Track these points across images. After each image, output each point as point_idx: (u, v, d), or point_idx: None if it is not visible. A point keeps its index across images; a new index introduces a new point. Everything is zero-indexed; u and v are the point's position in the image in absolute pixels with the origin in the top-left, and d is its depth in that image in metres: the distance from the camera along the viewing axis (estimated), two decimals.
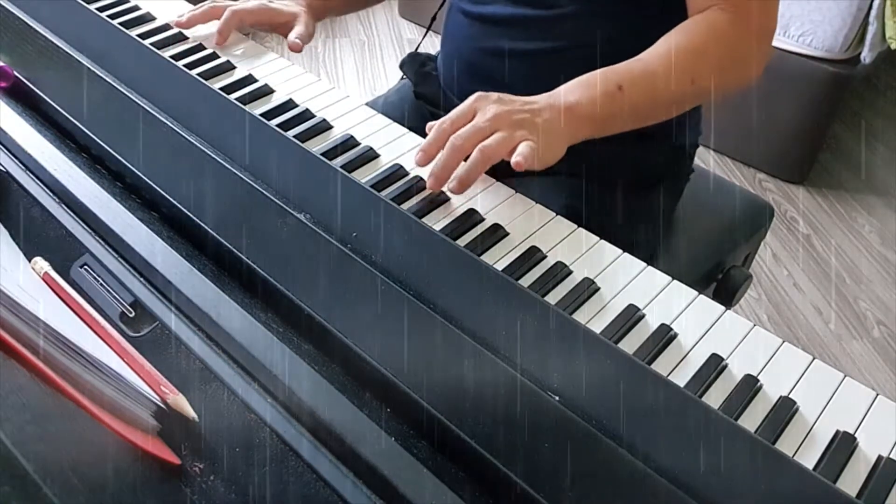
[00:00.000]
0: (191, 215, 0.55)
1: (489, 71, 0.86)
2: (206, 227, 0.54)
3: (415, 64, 0.98)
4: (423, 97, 0.96)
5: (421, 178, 0.67)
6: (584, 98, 0.67)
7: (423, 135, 0.73)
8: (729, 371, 0.52)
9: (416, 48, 1.03)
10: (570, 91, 0.67)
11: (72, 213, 0.55)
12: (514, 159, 0.61)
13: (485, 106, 0.65)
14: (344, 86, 2.21)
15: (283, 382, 0.44)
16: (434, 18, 1.03)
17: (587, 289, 0.57)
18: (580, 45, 0.79)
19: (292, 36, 0.86)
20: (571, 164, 0.67)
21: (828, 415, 0.49)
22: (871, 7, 1.64)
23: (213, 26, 0.85)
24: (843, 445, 0.47)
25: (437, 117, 0.96)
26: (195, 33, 0.86)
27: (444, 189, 0.65)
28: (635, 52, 0.71)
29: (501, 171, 0.65)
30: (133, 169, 0.59)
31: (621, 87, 0.67)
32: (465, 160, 0.63)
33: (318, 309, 0.49)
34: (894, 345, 1.53)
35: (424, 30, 1.06)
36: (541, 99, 0.67)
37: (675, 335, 0.54)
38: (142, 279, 0.51)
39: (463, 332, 0.48)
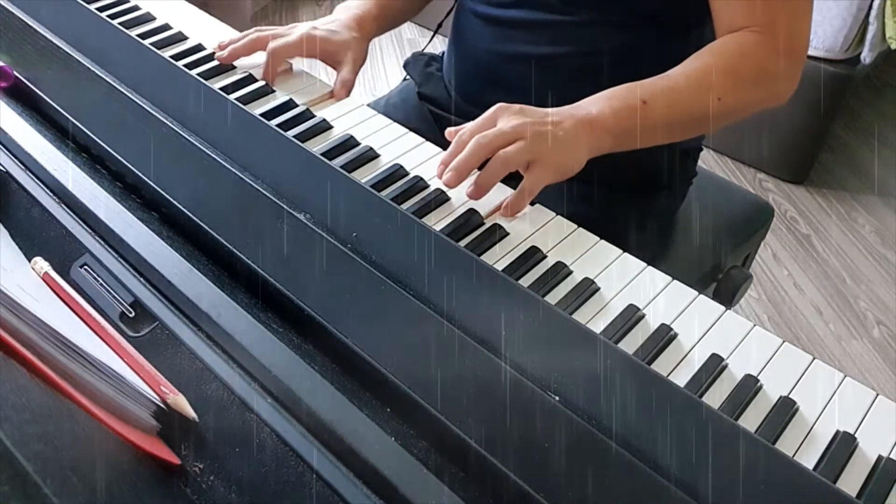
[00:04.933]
0: (191, 215, 0.55)
1: (501, 74, 0.85)
2: (206, 227, 0.54)
3: (419, 64, 0.98)
4: (426, 98, 0.96)
5: (421, 179, 0.67)
6: (607, 110, 0.67)
7: (426, 136, 0.73)
8: (729, 371, 0.52)
9: (423, 50, 1.03)
10: (593, 103, 0.68)
11: (72, 213, 0.55)
12: (503, 207, 0.64)
13: (506, 116, 0.65)
14: None
15: (284, 383, 0.44)
16: (440, 25, 1.02)
17: (587, 289, 0.57)
18: (594, 53, 0.79)
19: (338, 85, 0.80)
20: None
21: (828, 415, 0.49)
22: (871, 7, 1.64)
23: (258, 57, 0.80)
24: (843, 445, 0.47)
25: (440, 119, 0.95)
26: (241, 65, 0.82)
27: (464, 190, 0.65)
28: (648, 62, 0.71)
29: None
30: (133, 169, 0.59)
31: (645, 102, 0.67)
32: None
33: (318, 309, 0.49)
34: (894, 345, 1.53)
35: (425, 30, 1.06)
36: (563, 111, 0.67)
37: (675, 335, 0.54)
38: (142, 279, 0.51)
39: (463, 332, 0.48)
